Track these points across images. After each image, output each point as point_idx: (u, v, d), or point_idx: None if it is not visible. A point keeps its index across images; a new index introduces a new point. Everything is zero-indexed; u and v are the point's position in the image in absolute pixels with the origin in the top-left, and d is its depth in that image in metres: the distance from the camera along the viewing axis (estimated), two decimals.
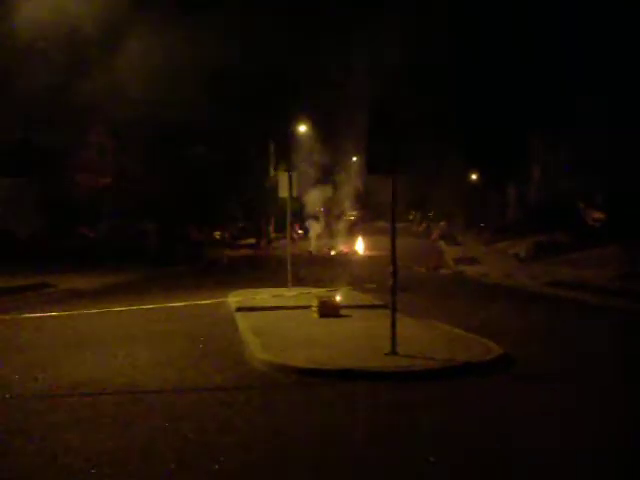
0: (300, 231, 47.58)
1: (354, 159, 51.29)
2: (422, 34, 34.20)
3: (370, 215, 63.17)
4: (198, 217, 44.15)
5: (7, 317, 14.29)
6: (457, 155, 52.59)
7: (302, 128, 46.73)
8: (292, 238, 24.44)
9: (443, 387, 8.99)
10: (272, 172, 46.82)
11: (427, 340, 11.71)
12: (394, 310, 10.52)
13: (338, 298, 15.93)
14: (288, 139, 44.31)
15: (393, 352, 10.24)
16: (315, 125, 43.90)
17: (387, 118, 9.83)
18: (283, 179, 20.02)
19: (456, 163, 53.72)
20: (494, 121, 50.53)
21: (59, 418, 7.58)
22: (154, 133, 41.66)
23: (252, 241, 47.57)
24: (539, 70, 41.67)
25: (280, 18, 37.70)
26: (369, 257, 37.09)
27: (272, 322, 14.01)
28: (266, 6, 37.45)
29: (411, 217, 73.75)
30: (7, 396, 8.55)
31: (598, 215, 30.89)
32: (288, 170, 20.44)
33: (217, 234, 45.14)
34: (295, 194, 20.28)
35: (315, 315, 14.80)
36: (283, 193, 20.00)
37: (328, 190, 26.83)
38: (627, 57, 26.25)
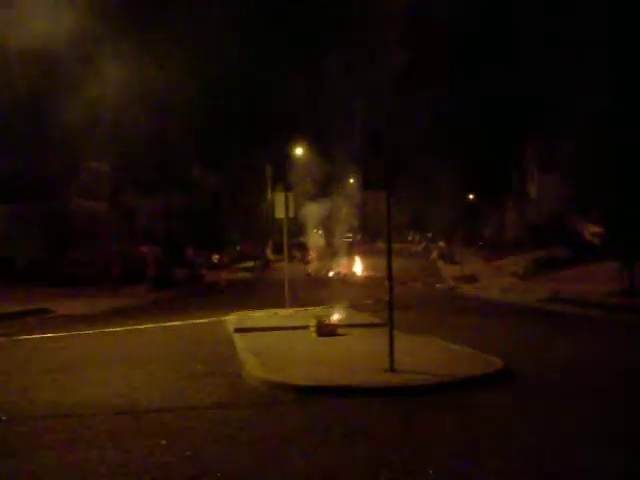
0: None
1: (351, 180, 51.39)
2: (419, 52, 34.48)
3: (368, 237, 63.26)
4: (196, 241, 44.17)
5: (3, 339, 14.26)
6: (455, 175, 52.80)
7: (299, 150, 46.90)
8: (296, 258, 24.44)
9: (444, 401, 8.96)
10: (269, 194, 46.91)
11: (426, 356, 11.67)
12: (391, 327, 10.49)
13: (336, 317, 15.92)
14: (284, 162, 44.46)
15: (392, 369, 10.19)
16: (312, 146, 44.06)
17: (382, 133, 9.87)
18: (280, 200, 20.10)
19: (454, 183, 53.89)
20: (491, 140, 50.80)
21: (55, 438, 7.53)
22: (151, 157, 41.89)
23: (250, 264, 47.53)
24: (535, 88, 41.89)
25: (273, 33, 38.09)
26: (367, 278, 37.10)
27: (270, 342, 13.98)
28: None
29: (410, 238, 73.92)
30: (3, 418, 8.49)
31: (596, 229, 30.93)
32: (285, 191, 20.49)
33: (215, 257, 45.13)
34: (292, 214, 20.31)
35: (313, 335, 14.77)
36: (279, 214, 20.06)
37: (326, 206, 26.75)
38: (624, 67, 26.38)
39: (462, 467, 6.40)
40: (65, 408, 8.88)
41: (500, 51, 44.84)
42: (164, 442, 7.30)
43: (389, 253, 10.73)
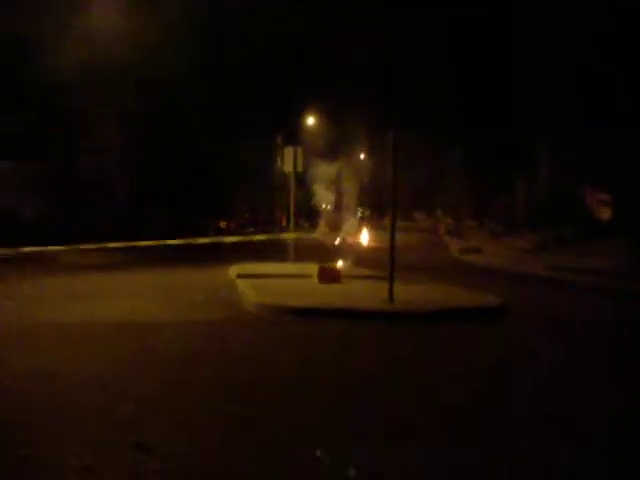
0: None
1: (362, 156, 51.31)
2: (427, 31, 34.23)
3: (376, 213, 63.08)
4: (204, 206, 44.19)
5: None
6: (463, 154, 52.56)
7: (310, 120, 46.76)
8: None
9: (436, 327, 9.00)
10: (279, 163, 46.78)
11: (426, 294, 11.71)
12: (392, 260, 10.51)
13: (339, 265, 15.89)
14: (296, 131, 44.36)
15: (391, 299, 10.22)
16: (324, 116, 43.98)
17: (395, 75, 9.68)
18: (288, 154, 20.06)
19: (462, 161, 53.66)
20: (501, 119, 50.38)
21: (57, 338, 7.64)
22: (162, 123, 41.84)
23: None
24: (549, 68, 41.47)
25: None
26: (372, 247, 37.04)
27: (271, 284, 13.99)
28: None
29: (418, 217, 73.68)
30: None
31: (604, 197, 30.71)
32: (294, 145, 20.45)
33: (223, 223, 45.15)
34: (300, 169, 20.24)
35: (315, 281, 14.73)
36: (288, 168, 20.03)
37: (336, 168, 26.55)
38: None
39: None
40: (65, 323, 8.97)
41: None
42: (156, 343, 7.40)
43: (394, 199, 10.71)
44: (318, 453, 4.25)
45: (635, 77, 23.87)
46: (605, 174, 27.38)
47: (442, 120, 45.00)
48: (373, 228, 45.07)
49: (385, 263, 10.76)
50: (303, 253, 20.66)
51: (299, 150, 20.01)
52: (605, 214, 34.01)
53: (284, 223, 49.22)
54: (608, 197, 29.72)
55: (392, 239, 10.61)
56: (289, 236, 21.70)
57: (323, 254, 26.42)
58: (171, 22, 31.19)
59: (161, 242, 21.46)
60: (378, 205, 60.63)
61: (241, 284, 13.84)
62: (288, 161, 19.99)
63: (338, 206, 43.91)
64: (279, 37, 40.32)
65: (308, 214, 46.19)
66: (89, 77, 31.90)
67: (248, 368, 6.45)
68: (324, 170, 24.82)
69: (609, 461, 4.37)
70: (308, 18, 38.51)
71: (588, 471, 4.19)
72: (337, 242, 41.20)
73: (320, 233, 40.65)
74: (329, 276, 14.71)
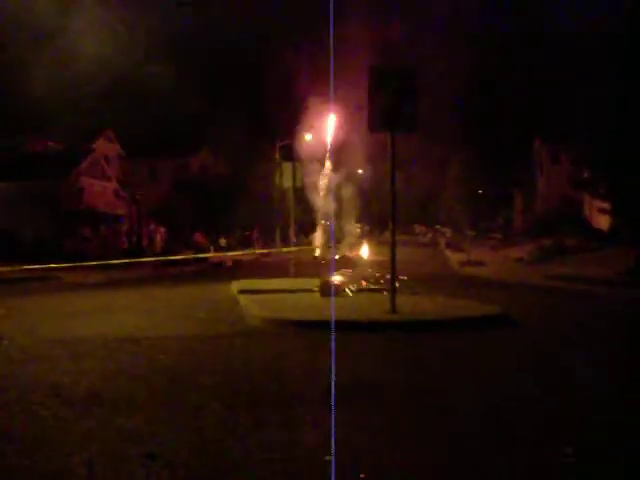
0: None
1: (360, 171, 51.45)
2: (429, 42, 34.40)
3: (376, 228, 63.16)
4: (204, 224, 44.25)
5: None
6: (463, 165, 52.77)
7: (309, 136, 46.84)
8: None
9: (438, 336, 9.06)
10: (277, 180, 46.89)
11: (428, 305, 11.77)
12: (393, 272, 10.56)
13: (341, 279, 15.91)
14: (294, 147, 44.48)
15: (393, 311, 10.27)
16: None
17: (390, 75, 9.69)
18: (287, 169, 20.18)
19: (461, 173, 53.86)
20: (499, 131, 50.69)
21: (62, 353, 7.69)
22: (160, 140, 42.11)
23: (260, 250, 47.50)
24: (544, 80, 41.78)
25: None
26: (373, 261, 37.07)
27: (273, 299, 14.02)
28: None
29: (417, 230, 73.85)
30: (5, 342, 8.64)
31: (604, 205, 30.73)
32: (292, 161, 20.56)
33: (223, 241, 45.16)
34: (299, 184, 20.34)
35: (317, 295, 14.75)
36: (287, 183, 20.13)
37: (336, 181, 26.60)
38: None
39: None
40: (67, 338, 9.00)
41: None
42: (162, 357, 7.42)
43: (394, 205, 10.76)
44: (327, 458, 4.30)
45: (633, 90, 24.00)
46: (604, 182, 27.45)
47: (443, 131, 45.20)
48: (373, 242, 45.14)
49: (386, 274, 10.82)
50: (303, 268, 20.70)
51: (298, 165, 20.13)
52: (605, 223, 34.09)
53: (284, 238, 49.36)
54: (608, 205, 29.79)
55: (393, 251, 10.66)
56: (289, 251, 21.78)
57: (322, 268, 26.51)
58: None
59: (162, 259, 21.64)
60: (378, 219, 60.74)
61: (243, 299, 13.87)
62: (287, 176, 20.11)
63: (337, 220, 44.06)
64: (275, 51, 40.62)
65: (307, 229, 46.20)
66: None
67: (253, 379, 6.49)
68: (323, 185, 24.89)
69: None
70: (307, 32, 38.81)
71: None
72: (337, 257, 41.24)
73: (320, 253, 40.61)
74: (331, 289, 14.76)
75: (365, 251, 42.18)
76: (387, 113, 9.46)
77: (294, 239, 40.40)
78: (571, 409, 5.62)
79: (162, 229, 37.20)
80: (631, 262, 23.34)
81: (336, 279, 15.43)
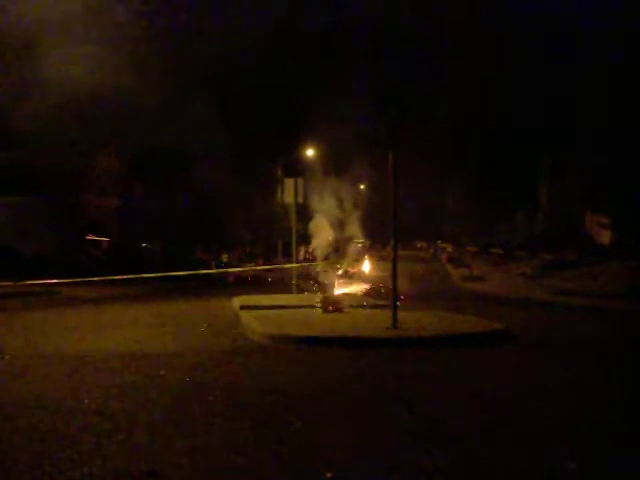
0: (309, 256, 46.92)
1: (362, 187, 51.52)
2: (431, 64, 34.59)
3: (378, 244, 63.18)
4: (205, 239, 44.29)
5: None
6: (464, 182, 52.87)
7: (310, 152, 47.02)
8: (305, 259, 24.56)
9: (441, 352, 9.04)
10: (279, 196, 46.98)
11: (429, 320, 11.73)
12: (395, 287, 10.56)
13: (342, 295, 15.94)
14: (295, 163, 44.59)
15: (394, 327, 10.26)
16: (324, 148, 44.23)
17: (389, 96, 9.78)
18: (289, 185, 20.19)
19: (463, 190, 53.95)
20: (502, 148, 50.80)
21: (63, 369, 7.68)
22: (163, 157, 42.25)
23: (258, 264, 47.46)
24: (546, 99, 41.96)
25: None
26: (375, 276, 37.07)
27: (275, 314, 14.01)
28: None
29: (419, 245, 73.87)
30: (7, 357, 8.65)
31: (604, 220, 30.85)
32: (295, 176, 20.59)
33: (224, 256, 45.17)
34: (301, 200, 20.34)
35: (319, 311, 14.75)
36: (289, 199, 20.13)
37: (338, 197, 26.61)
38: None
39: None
40: (68, 353, 9.00)
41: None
42: (163, 372, 7.41)
43: (395, 224, 10.78)
44: (329, 475, 4.29)
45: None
46: (605, 197, 27.59)
47: (444, 148, 45.39)
48: (375, 258, 45.13)
49: (388, 292, 10.83)
50: (305, 283, 20.70)
51: (300, 181, 20.15)
52: (605, 238, 34.18)
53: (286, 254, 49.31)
54: (608, 220, 29.92)
55: (394, 267, 10.68)
56: (291, 267, 21.77)
57: (324, 284, 26.54)
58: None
59: (164, 274, 21.60)
60: (380, 235, 60.77)
61: (245, 315, 13.84)
62: (289, 192, 20.12)
63: (339, 236, 44.04)
64: (278, 71, 40.84)
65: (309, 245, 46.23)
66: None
67: (255, 396, 6.47)
68: (325, 201, 24.90)
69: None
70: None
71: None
72: (340, 272, 41.20)
73: (321, 269, 40.56)
74: (332, 306, 14.77)
75: (367, 267, 42.28)
76: (388, 130, 9.52)
77: (300, 256, 40.50)
78: (572, 426, 5.60)
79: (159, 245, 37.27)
80: (635, 276, 23.38)
81: (338, 295, 15.47)
